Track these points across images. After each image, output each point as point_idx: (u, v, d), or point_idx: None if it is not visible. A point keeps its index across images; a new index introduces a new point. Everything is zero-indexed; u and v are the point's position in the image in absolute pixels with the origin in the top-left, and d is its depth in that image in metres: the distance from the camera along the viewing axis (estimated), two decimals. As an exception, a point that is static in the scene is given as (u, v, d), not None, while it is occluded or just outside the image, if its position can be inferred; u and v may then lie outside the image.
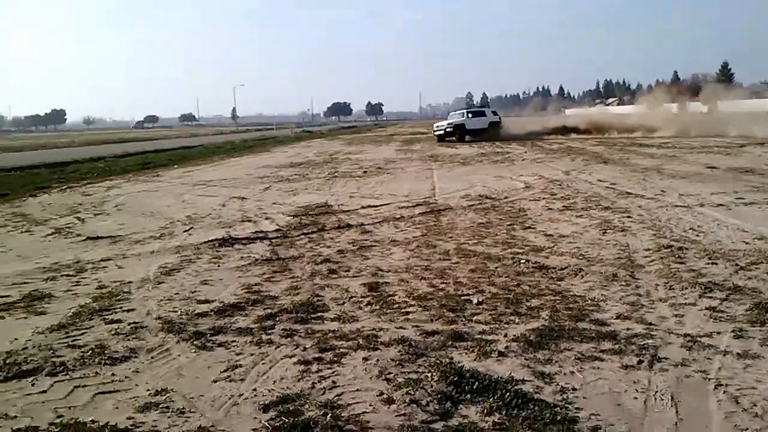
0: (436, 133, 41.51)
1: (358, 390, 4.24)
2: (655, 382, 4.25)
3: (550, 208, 11.83)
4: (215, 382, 4.47)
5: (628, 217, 10.55)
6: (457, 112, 45.79)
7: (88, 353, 5.04)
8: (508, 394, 4.01)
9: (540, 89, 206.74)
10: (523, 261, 7.69)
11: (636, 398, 4.04)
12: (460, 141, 39.03)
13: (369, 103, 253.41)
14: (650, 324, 5.38)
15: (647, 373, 4.40)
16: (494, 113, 44.22)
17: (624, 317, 5.56)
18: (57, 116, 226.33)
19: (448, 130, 40.40)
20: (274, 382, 4.42)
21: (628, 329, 5.26)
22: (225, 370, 4.65)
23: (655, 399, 4.02)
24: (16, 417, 4.01)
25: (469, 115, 42.57)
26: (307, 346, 5.07)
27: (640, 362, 4.57)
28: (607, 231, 9.42)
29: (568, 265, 7.46)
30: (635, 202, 12.10)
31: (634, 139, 34.19)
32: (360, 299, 6.35)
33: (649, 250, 8.13)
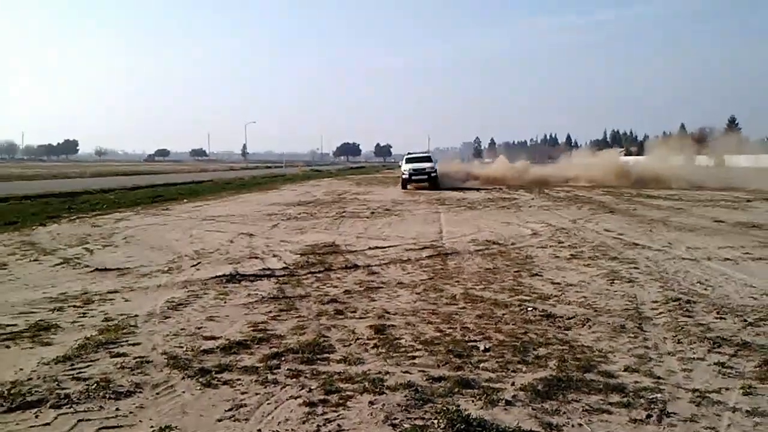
0: (413, 177, 37.45)
1: (363, 434, 4.21)
2: (664, 438, 4.21)
3: (557, 256, 11.81)
4: (220, 420, 4.44)
5: (636, 268, 10.53)
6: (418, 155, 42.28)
7: (93, 387, 5.02)
8: (515, 444, 3.97)
9: (548, 137, 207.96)
10: (531, 309, 7.66)
11: (644, 453, 3.99)
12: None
13: (378, 144, 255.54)
14: (659, 378, 5.34)
15: (656, 428, 4.36)
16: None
17: (632, 370, 5.52)
18: (69, 146, 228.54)
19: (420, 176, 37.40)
20: (279, 423, 4.39)
21: (636, 382, 5.22)
22: (230, 409, 4.63)
23: (664, 455, 3.97)
24: (18, 449, 3.99)
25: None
26: (312, 388, 5.04)
27: (648, 416, 4.53)
28: (615, 281, 9.39)
29: (576, 314, 7.43)
30: (642, 254, 12.08)
31: (641, 190, 34.21)
32: (366, 341, 6.33)
33: (656, 302, 8.09)
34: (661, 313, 7.55)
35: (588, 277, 9.77)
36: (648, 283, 9.30)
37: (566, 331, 6.73)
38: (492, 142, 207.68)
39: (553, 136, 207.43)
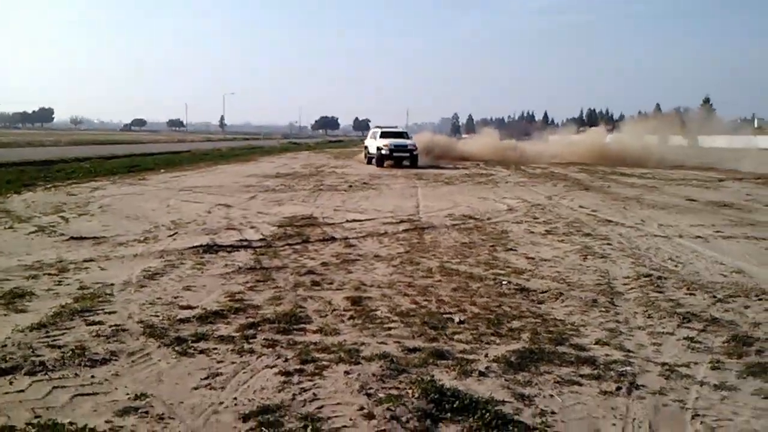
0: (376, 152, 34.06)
1: (338, 404, 4.26)
2: (633, 410, 4.31)
3: (532, 232, 11.93)
4: (196, 389, 4.46)
5: (609, 244, 10.67)
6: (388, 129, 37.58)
7: (68, 354, 5.01)
8: (488, 414, 4.04)
9: (525, 114, 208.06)
10: (505, 282, 7.75)
11: (614, 425, 4.09)
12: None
13: (356, 118, 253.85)
14: (629, 351, 5.45)
15: (625, 400, 4.46)
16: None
17: (603, 343, 5.63)
18: (45, 115, 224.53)
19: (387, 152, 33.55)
20: (255, 392, 4.42)
21: (606, 355, 5.33)
22: (206, 378, 4.65)
23: (633, 427, 4.07)
24: (-7, 415, 3.98)
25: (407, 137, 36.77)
26: (288, 357, 5.08)
27: (618, 389, 4.63)
28: (588, 257, 9.52)
29: (549, 288, 7.54)
30: (615, 230, 12.23)
31: (616, 169, 34.49)
32: (343, 312, 6.37)
33: (628, 277, 8.23)
34: (632, 288, 7.68)
35: (562, 252, 9.89)
36: (620, 259, 9.44)
37: (539, 305, 6.83)
38: (470, 119, 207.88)
39: (531, 113, 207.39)
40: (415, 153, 34.25)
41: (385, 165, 33.40)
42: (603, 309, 6.73)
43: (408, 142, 35.18)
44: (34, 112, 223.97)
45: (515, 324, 6.11)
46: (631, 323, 6.28)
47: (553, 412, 4.22)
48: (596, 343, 5.62)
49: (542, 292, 7.35)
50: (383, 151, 33.60)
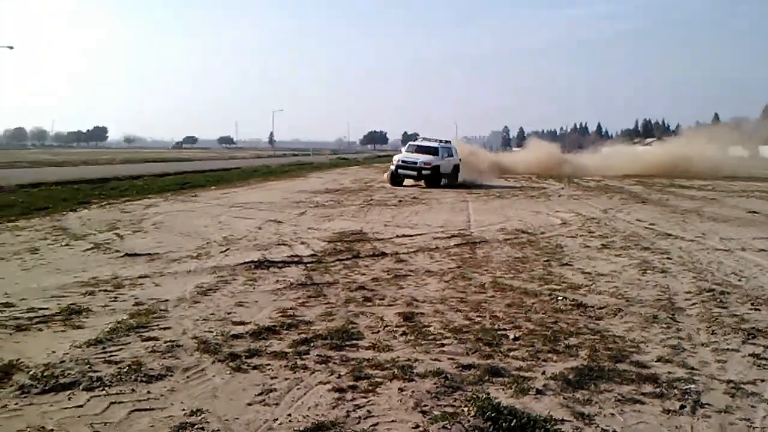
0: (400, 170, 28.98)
1: (393, 421, 4.19)
2: (698, 429, 4.16)
3: (588, 246, 11.69)
4: (250, 405, 4.45)
5: (668, 258, 10.38)
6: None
7: (125, 370, 5.05)
8: (546, 433, 3.92)
9: (578, 126, 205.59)
10: (561, 298, 7.58)
11: (679, 445, 3.93)
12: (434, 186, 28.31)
13: (405, 132, 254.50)
14: (692, 368, 5.26)
15: (690, 419, 4.29)
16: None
17: (665, 360, 5.44)
18: (99, 133, 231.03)
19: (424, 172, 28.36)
20: (309, 408, 4.38)
21: (669, 373, 5.15)
22: (260, 394, 4.63)
23: (699, 447, 3.91)
24: (52, 430, 4.01)
25: (444, 153, 30.24)
26: (341, 374, 5.04)
27: (682, 407, 4.46)
28: (647, 271, 9.27)
29: (607, 304, 7.34)
30: (675, 244, 11.91)
31: (674, 181, 33.73)
32: (395, 328, 6.30)
33: (690, 293, 7.97)
34: (694, 303, 7.43)
35: (619, 267, 9.65)
36: (681, 273, 9.16)
37: (597, 321, 6.66)
38: (521, 131, 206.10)
39: (584, 125, 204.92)
40: (425, 172, 28.32)
41: (403, 184, 28.77)
42: (664, 325, 6.52)
43: (422, 158, 28.92)
44: (88, 131, 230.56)
45: (572, 341, 5.95)
46: (694, 339, 6.06)
47: (614, 432, 4.08)
48: (658, 360, 5.43)
49: (600, 308, 7.16)
50: (392, 167, 29.51)
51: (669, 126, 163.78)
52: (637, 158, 47.97)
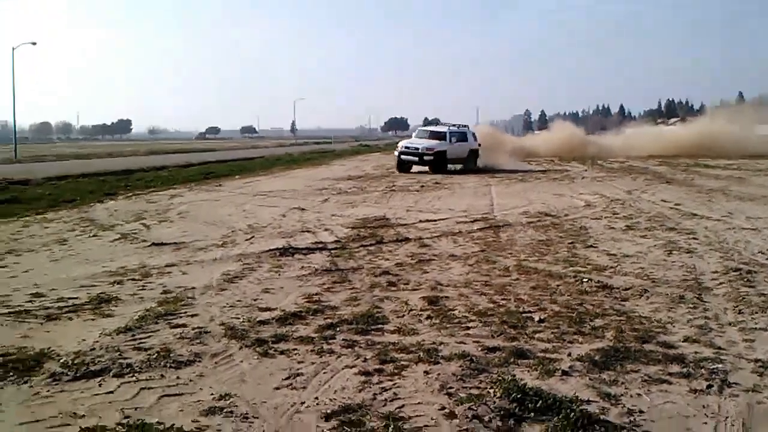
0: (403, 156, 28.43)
1: (419, 403, 4.22)
2: (726, 408, 4.13)
3: (612, 227, 11.61)
4: (278, 389, 4.50)
5: (694, 238, 10.28)
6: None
7: (154, 356, 5.13)
8: (573, 414, 3.92)
9: (600, 108, 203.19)
10: (586, 280, 7.55)
11: (706, 423, 3.93)
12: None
13: (426, 118, 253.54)
14: (719, 348, 5.23)
15: (717, 398, 4.27)
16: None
17: (692, 340, 5.41)
18: (123, 126, 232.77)
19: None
20: (336, 391, 4.43)
21: (696, 353, 5.12)
22: (287, 378, 4.69)
23: (726, 425, 3.90)
24: (84, 416, 4.09)
25: (452, 138, 29.30)
26: (367, 357, 5.08)
27: (709, 387, 4.44)
28: (673, 252, 9.19)
29: (633, 285, 7.30)
30: (701, 224, 11.79)
31: (698, 161, 33.32)
32: (420, 312, 6.33)
33: (716, 272, 7.90)
34: (721, 283, 7.37)
35: (645, 248, 9.59)
36: (707, 253, 9.08)
37: (623, 302, 6.63)
38: (543, 114, 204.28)
39: (606, 106, 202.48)
40: (427, 158, 27.55)
41: (411, 170, 27.94)
42: (691, 305, 6.47)
43: (425, 143, 28.43)
44: (113, 123, 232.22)
45: (598, 322, 5.94)
46: (721, 319, 6.01)
47: (641, 411, 4.07)
48: (685, 341, 5.40)
49: (625, 289, 7.12)
50: (395, 155, 29.09)
51: (693, 105, 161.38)
52: (661, 138, 47.46)
